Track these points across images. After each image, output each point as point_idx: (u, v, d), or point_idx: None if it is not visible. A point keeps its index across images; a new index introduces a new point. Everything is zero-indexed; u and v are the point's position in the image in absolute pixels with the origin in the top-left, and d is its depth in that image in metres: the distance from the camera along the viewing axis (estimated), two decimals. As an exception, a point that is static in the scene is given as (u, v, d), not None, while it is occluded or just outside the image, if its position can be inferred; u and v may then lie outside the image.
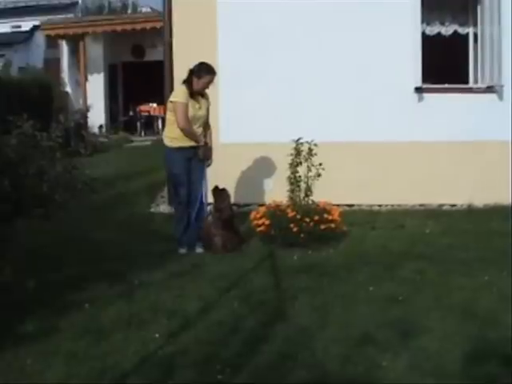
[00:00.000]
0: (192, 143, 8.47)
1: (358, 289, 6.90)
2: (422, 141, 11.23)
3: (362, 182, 11.15)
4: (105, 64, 25.35)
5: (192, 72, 8.49)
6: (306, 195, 8.84)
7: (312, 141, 8.73)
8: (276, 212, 8.80)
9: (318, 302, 6.51)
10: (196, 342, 5.58)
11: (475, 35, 11.79)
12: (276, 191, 9.76)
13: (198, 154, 8.51)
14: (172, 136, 8.48)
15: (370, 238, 9.21)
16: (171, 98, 8.62)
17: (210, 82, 8.58)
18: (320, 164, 8.65)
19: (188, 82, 8.49)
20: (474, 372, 4.95)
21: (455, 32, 11.94)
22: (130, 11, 27.43)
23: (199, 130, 8.57)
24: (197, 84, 8.47)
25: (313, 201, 8.87)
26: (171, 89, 11.09)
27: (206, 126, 8.76)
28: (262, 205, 9.55)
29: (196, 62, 8.53)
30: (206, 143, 8.63)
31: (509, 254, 7.98)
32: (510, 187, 10.94)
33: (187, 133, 8.41)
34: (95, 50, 24.93)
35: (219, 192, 8.84)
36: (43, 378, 4.93)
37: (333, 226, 8.71)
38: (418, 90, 11.33)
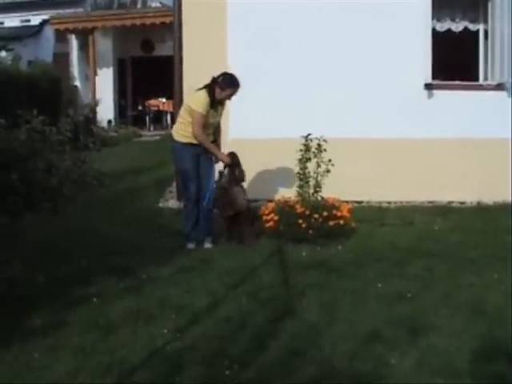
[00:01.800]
0: None
1: (367, 285, 6.89)
2: (432, 137, 11.20)
3: (371, 179, 11.13)
4: (114, 58, 25.37)
5: (215, 80, 8.39)
6: (315, 191, 8.83)
7: (321, 137, 8.73)
8: (285, 208, 8.80)
9: (326, 298, 6.50)
10: (204, 337, 5.58)
11: (486, 32, 11.75)
12: (285, 187, 9.75)
13: (208, 152, 8.50)
14: (183, 133, 8.45)
15: (378, 234, 9.19)
16: (192, 105, 8.39)
17: (233, 94, 8.49)
18: (329, 160, 8.64)
19: (210, 89, 8.37)
20: (483, 370, 4.94)
21: (466, 28, 11.90)
22: (139, 6, 27.42)
23: (209, 131, 8.54)
24: (219, 94, 8.35)
25: (322, 197, 8.87)
26: (180, 84, 11.12)
27: (217, 127, 8.77)
28: (270, 200, 9.54)
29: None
30: (215, 141, 8.62)
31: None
32: (511, 185, 10.93)
33: (200, 141, 8.37)
34: (104, 45, 24.94)
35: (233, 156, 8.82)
36: (51, 372, 4.94)
37: (342, 222, 8.70)
38: (428, 86, 11.30)
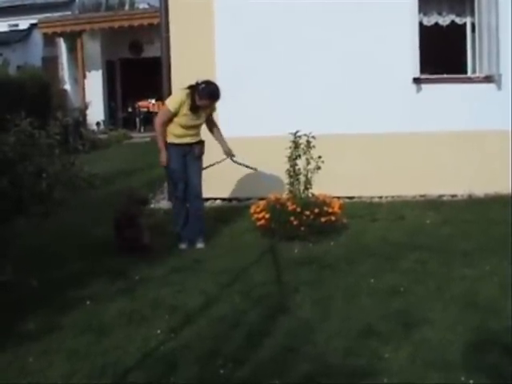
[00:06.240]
0: (187, 140, 8.45)
1: (360, 281, 6.89)
2: (421, 131, 11.20)
3: (362, 174, 11.15)
4: (103, 61, 25.35)
5: (197, 86, 8.33)
6: (306, 188, 8.82)
7: (310, 133, 8.72)
8: (276, 205, 8.79)
9: (319, 294, 6.50)
10: (198, 337, 5.58)
11: (473, 25, 11.77)
12: (275, 185, 9.74)
13: (194, 152, 8.51)
14: (170, 131, 8.44)
15: (370, 229, 9.19)
16: (167, 100, 8.70)
17: (209, 106, 8.47)
18: (319, 157, 8.63)
19: (192, 91, 8.34)
20: (476, 362, 4.94)
21: (453, 22, 11.90)
22: (127, 8, 27.42)
23: (194, 132, 8.56)
24: (198, 100, 8.32)
25: (312, 194, 8.86)
26: (169, 85, 11.12)
27: (211, 123, 8.83)
28: (262, 198, 9.52)
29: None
30: (201, 141, 8.65)
31: (510, 243, 7.97)
32: (510, 177, 10.93)
33: (157, 133, 8.55)
34: (93, 47, 24.93)
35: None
36: (45, 376, 4.93)
37: (333, 218, 8.69)
38: (417, 80, 11.31)
